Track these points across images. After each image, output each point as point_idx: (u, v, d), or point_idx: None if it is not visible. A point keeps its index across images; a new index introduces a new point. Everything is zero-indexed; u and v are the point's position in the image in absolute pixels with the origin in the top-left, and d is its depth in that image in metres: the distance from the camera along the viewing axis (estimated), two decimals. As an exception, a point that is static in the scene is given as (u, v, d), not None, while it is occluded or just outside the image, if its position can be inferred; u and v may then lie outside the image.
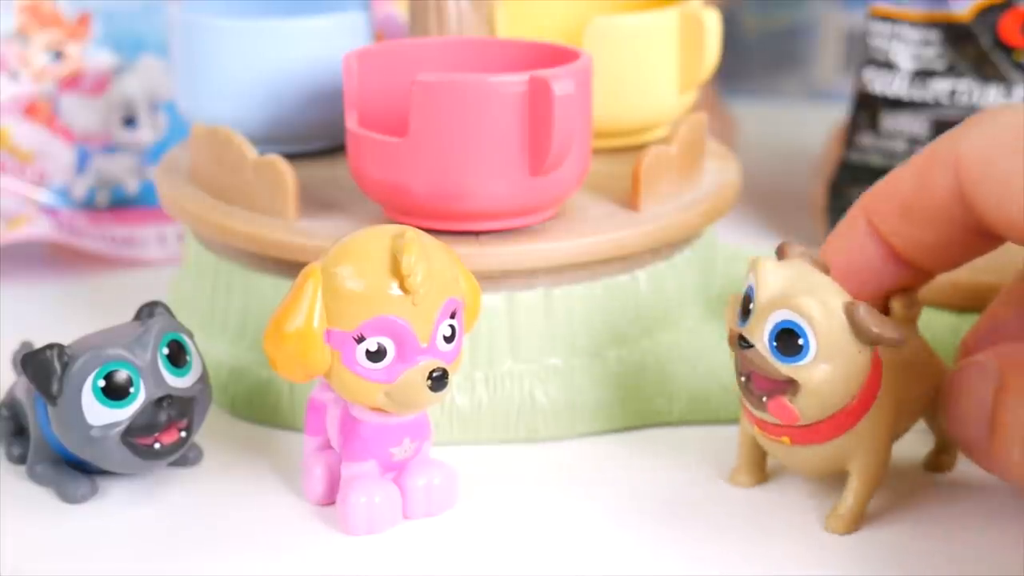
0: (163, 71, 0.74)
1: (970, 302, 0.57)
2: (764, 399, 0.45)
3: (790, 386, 0.44)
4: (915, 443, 0.52)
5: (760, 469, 0.50)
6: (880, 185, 0.49)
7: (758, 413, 0.46)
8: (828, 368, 0.44)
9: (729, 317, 0.46)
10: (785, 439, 0.46)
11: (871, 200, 0.49)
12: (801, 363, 0.44)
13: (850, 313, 0.44)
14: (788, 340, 0.44)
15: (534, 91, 0.49)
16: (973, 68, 0.68)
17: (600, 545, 0.47)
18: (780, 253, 0.47)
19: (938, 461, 0.52)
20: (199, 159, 0.58)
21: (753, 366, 0.45)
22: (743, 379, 0.46)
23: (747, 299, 0.45)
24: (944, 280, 0.57)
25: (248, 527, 0.48)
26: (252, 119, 0.59)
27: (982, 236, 0.47)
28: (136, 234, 0.73)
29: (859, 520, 0.47)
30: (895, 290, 0.50)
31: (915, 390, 0.48)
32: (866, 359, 0.45)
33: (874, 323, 0.43)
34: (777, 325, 0.44)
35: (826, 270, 0.46)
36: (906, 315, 0.50)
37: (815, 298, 0.44)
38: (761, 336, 0.44)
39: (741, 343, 0.45)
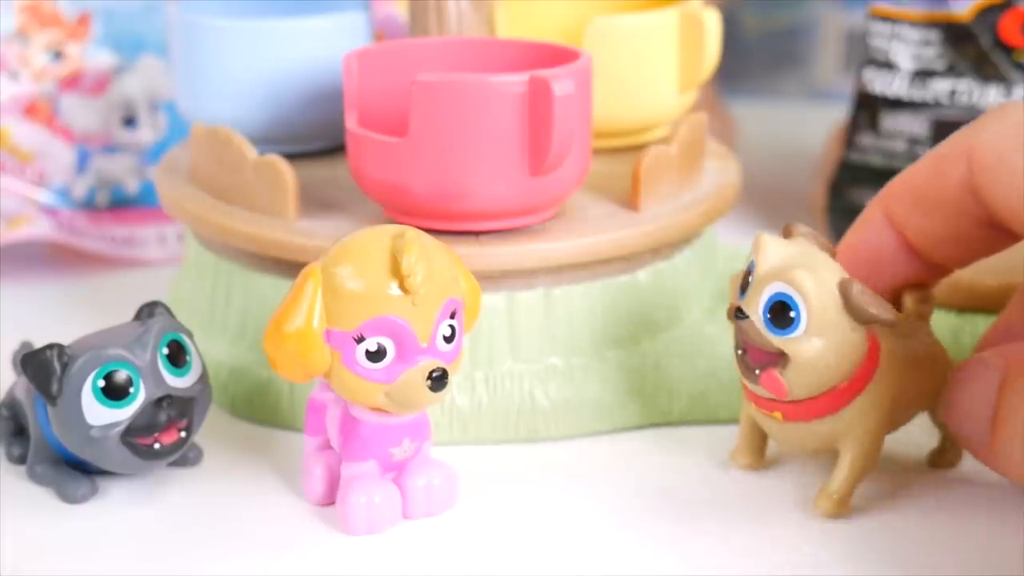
0: (163, 71, 0.74)
1: (970, 302, 0.57)
2: (757, 372, 0.45)
3: (781, 359, 0.45)
4: (919, 438, 0.52)
5: (760, 451, 0.50)
6: (898, 176, 0.49)
7: (752, 386, 0.46)
8: (819, 343, 0.44)
9: (732, 291, 0.47)
10: (777, 414, 0.47)
11: (889, 190, 0.50)
12: (792, 336, 0.44)
13: (844, 290, 0.44)
14: (781, 312, 0.44)
15: (534, 91, 0.49)
16: (973, 68, 0.68)
17: (601, 545, 0.47)
18: (785, 233, 0.47)
19: (942, 457, 0.52)
20: (199, 159, 0.58)
21: (748, 338, 0.46)
22: (740, 352, 0.46)
23: (747, 273, 0.46)
24: (944, 280, 0.57)
25: (248, 527, 0.48)
26: (252, 119, 0.59)
27: (993, 231, 0.47)
28: (136, 234, 0.73)
29: (847, 503, 0.47)
30: (908, 284, 0.50)
31: (921, 384, 0.48)
32: (860, 338, 0.45)
33: (867, 302, 0.44)
34: (771, 297, 0.44)
35: (831, 252, 0.46)
36: (918, 311, 0.50)
37: (809, 272, 0.44)
38: (756, 308, 0.45)
39: (738, 315, 0.46)
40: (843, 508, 0.47)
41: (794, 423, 0.47)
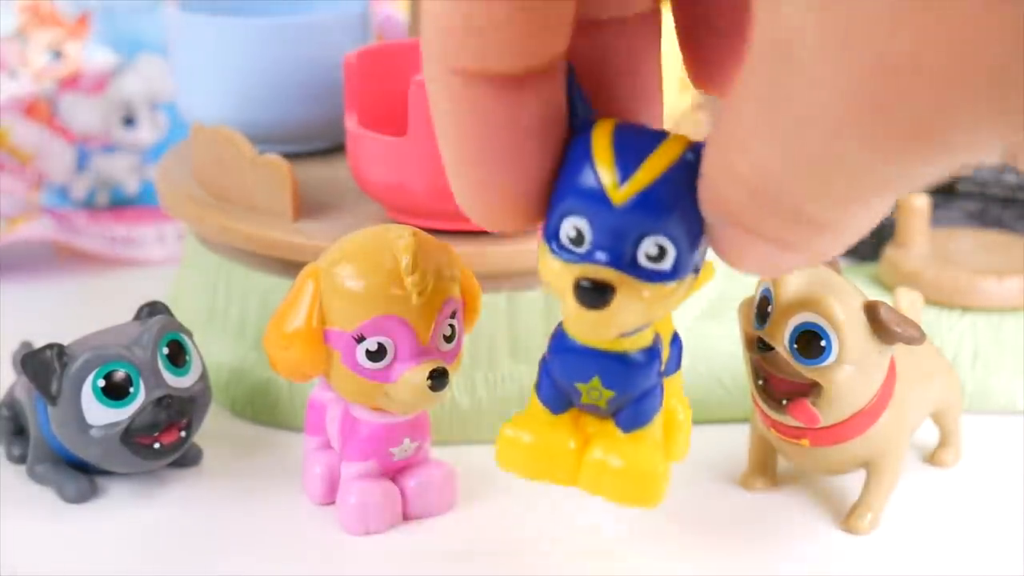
0: (163, 71, 0.74)
1: (971, 302, 0.57)
2: (784, 402, 0.45)
3: (812, 388, 0.44)
4: (919, 439, 0.52)
5: (771, 472, 0.50)
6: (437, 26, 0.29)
7: (777, 416, 0.45)
8: (851, 369, 0.43)
9: (744, 320, 0.46)
10: (804, 441, 0.46)
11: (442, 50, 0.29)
12: (823, 365, 0.43)
13: (872, 312, 0.44)
14: (810, 342, 0.43)
15: (534, 91, 0.49)
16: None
17: (600, 545, 0.47)
18: None
19: (941, 456, 0.52)
20: (199, 159, 0.58)
21: (773, 369, 0.45)
22: (760, 382, 0.45)
23: (764, 301, 0.45)
24: (944, 280, 0.57)
25: (248, 527, 0.48)
26: (252, 119, 0.59)
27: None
28: (136, 234, 0.73)
29: (879, 519, 0.47)
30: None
31: (924, 388, 0.48)
32: (885, 359, 0.45)
33: (895, 321, 0.43)
34: (798, 327, 0.44)
35: (838, 270, 0.46)
36: (909, 314, 0.50)
37: (837, 299, 0.43)
38: (781, 339, 0.44)
39: (761, 346, 0.45)
40: (876, 525, 0.47)
41: (821, 448, 0.46)
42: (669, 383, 0.44)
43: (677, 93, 0.63)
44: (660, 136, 0.36)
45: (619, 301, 0.36)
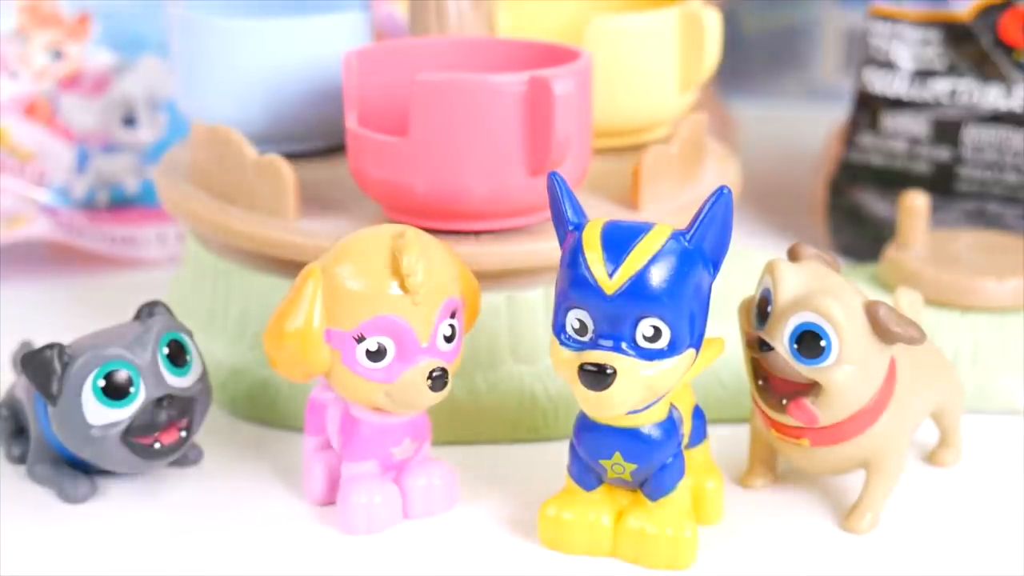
0: (163, 71, 0.74)
1: (971, 302, 0.57)
2: (784, 402, 0.45)
3: (812, 388, 0.44)
4: (920, 438, 0.52)
5: (771, 471, 0.50)
6: None
7: (777, 416, 0.46)
8: (850, 369, 0.44)
9: (744, 320, 0.46)
10: (804, 441, 0.46)
11: None
12: (823, 365, 0.44)
13: (871, 313, 0.44)
14: (810, 342, 0.43)
15: (534, 91, 0.49)
16: (973, 68, 0.68)
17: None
18: (793, 255, 0.46)
19: (941, 456, 0.52)
20: (199, 159, 0.58)
21: (773, 369, 0.45)
22: (760, 382, 0.45)
23: (764, 301, 0.45)
24: (944, 280, 0.57)
25: (248, 527, 0.48)
26: (252, 118, 0.59)
27: None
28: (136, 234, 0.73)
29: (878, 518, 0.47)
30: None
31: (924, 388, 0.48)
32: (885, 358, 0.45)
33: (895, 321, 0.43)
34: (798, 327, 0.44)
35: (837, 269, 0.46)
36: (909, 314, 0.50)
37: (837, 299, 0.43)
38: (781, 339, 0.44)
39: (762, 346, 0.45)
40: (874, 525, 0.47)
41: (821, 448, 0.46)
42: (695, 454, 0.47)
43: (677, 94, 0.63)
44: (645, 228, 0.42)
45: (621, 381, 0.41)
